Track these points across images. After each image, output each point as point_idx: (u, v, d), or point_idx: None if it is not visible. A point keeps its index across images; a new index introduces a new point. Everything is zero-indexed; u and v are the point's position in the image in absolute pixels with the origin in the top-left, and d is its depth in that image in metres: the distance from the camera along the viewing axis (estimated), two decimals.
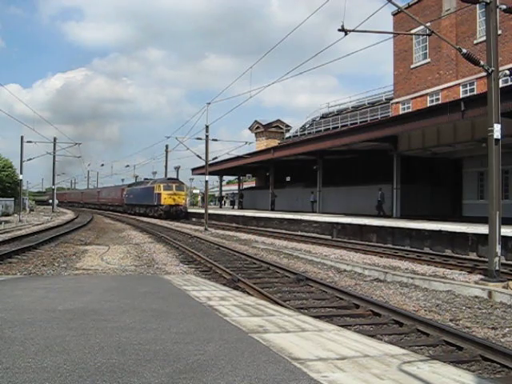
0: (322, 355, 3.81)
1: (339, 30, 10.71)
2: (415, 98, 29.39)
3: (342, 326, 5.57)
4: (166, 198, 40.08)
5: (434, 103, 26.44)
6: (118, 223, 35.24)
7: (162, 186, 40.93)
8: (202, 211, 32.25)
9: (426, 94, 28.55)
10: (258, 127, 51.31)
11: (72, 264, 12.12)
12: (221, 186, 56.78)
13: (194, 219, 38.96)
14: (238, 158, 38.14)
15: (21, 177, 40.57)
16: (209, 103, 27.48)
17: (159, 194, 40.49)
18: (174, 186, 41.41)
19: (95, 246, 17.10)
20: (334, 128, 39.81)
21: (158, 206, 40.68)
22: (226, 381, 3.12)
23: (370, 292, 8.98)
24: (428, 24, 15.06)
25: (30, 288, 7.32)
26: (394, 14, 30.22)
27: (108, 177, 78.71)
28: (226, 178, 78.08)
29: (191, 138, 48.85)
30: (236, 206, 48.51)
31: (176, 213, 39.93)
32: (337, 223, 22.27)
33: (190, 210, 43.75)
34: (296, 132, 49.65)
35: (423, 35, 24.68)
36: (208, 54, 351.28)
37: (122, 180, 73.46)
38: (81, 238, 20.74)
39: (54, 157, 55.01)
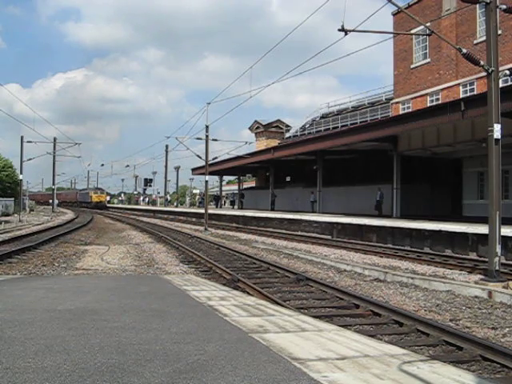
0: (322, 355, 3.81)
1: (339, 30, 10.70)
2: (415, 98, 29.37)
3: (341, 326, 5.57)
4: (94, 198, 72.50)
5: (434, 103, 26.41)
6: (117, 223, 35.28)
7: (92, 191, 75.11)
8: (202, 211, 32.27)
9: (426, 94, 28.53)
10: (257, 127, 51.25)
11: (72, 264, 12.12)
12: (221, 186, 56.75)
13: (194, 219, 39.02)
14: (238, 157, 38.11)
15: (21, 177, 40.57)
16: (209, 103, 27.41)
17: (91, 196, 73.30)
18: (98, 191, 75.75)
19: (95, 246, 17.11)
20: (333, 128, 39.77)
21: (90, 202, 72.29)
22: (226, 381, 3.12)
23: (370, 292, 8.98)
24: (428, 24, 15.06)
25: (30, 288, 7.33)
26: (394, 14, 30.20)
27: (108, 177, 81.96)
28: (226, 178, 78.12)
29: (191, 137, 48.79)
30: (236, 206, 48.54)
31: (100, 206, 70.18)
32: (337, 223, 22.26)
33: (189, 210, 47.77)
34: (296, 132, 49.61)
35: (423, 35, 24.68)
36: (207, 54, 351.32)
37: (122, 180, 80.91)
38: (81, 237, 20.75)
39: (54, 157, 55.03)
